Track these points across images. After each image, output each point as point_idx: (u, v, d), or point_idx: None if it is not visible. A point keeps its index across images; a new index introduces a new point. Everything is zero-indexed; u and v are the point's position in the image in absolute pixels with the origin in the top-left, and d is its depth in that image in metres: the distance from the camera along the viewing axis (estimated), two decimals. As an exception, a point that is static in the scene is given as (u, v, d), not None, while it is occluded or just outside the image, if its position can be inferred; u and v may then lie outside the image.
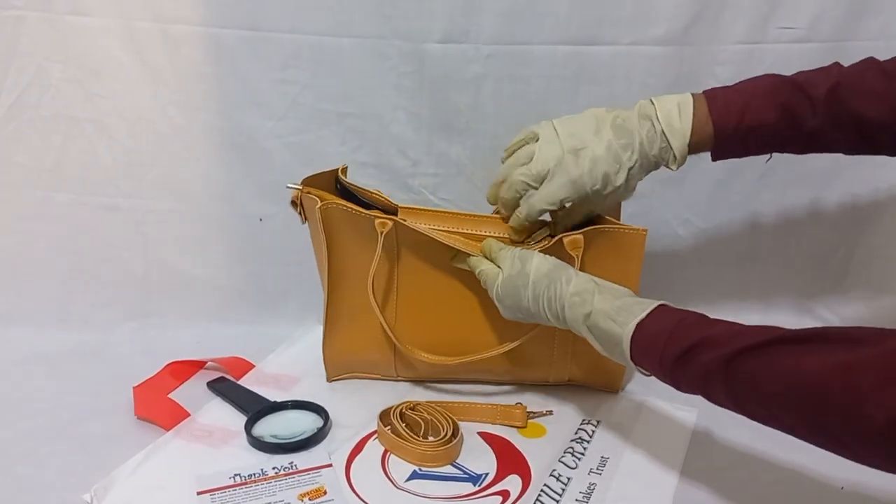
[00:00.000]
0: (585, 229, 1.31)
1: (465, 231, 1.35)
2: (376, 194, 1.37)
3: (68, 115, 1.59)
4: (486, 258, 1.31)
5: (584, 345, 1.21)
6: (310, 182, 1.38)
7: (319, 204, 1.33)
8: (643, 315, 1.09)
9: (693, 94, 1.25)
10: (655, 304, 1.11)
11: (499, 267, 1.28)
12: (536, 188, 1.27)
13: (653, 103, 1.26)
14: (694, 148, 1.25)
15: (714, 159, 1.29)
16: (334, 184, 1.41)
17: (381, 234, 1.32)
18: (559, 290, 1.19)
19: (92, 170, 1.62)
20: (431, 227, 1.35)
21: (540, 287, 1.21)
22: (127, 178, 1.63)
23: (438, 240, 1.32)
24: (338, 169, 1.41)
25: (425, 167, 1.68)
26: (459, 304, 1.41)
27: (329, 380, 1.49)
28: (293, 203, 1.39)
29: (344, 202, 1.35)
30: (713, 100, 1.24)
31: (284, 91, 1.60)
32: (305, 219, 1.40)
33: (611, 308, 1.13)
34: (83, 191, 1.63)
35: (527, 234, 1.34)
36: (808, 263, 1.77)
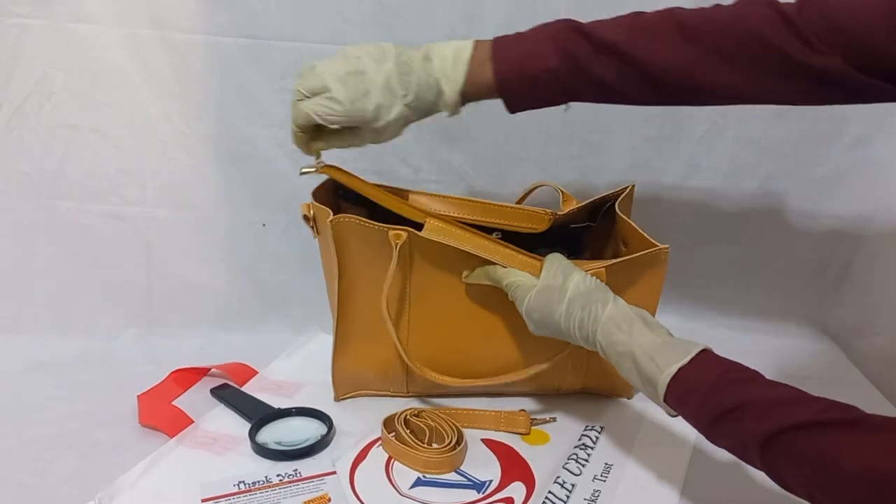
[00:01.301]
0: (610, 263, 1.31)
1: (481, 220, 1.35)
2: (379, 190, 1.35)
3: (71, 124, 1.59)
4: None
5: (598, 357, 1.20)
6: (318, 193, 1.37)
7: (331, 217, 1.29)
8: (685, 361, 1.06)
9: (477, 41, 1.18)
10: (698, 348, 1.08)
11: (535, 277, 1.25)
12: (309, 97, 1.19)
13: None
14: (474, 95, 1.19)
15: (509, 110, 1.22)
16: (335, 190, 1.41)
17: (396, 246, 1.28)
18: (595, 312, 1.16)
19: (94, 178, 1.62)
20: (450, 217, 1.33)
21: (575, 305, 1.18)
22: (129, 186, 1.64)
23: (465, 250, 1.29)
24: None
25: (427, 174, 1.69)
26: (477, 320, 1.39)
27: (337, 399, 1.47)
28: (305, 217, 1.36)
29: (357, 218, 1.30)
30: (497, 46, 1.17)
31: (286, 99, 1.58)
32: (318, 233, 1.37)
33: (650, 345, 1.10)
34: (86, 199, 1.63)
35: (306, 148, 1.27)
36: (806, 270, 1.78)
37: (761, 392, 0.99)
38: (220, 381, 1.51)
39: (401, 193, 1.39)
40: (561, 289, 1.21)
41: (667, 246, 1.32)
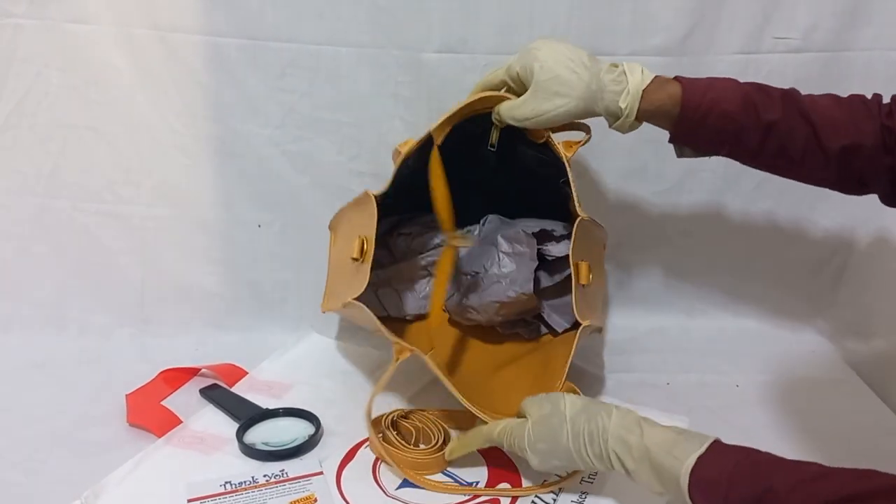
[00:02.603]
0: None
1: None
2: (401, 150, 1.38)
3: (66, 123, 1.59)
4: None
5: None
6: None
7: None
8: (702, 450, 1.05)
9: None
10: (710, 439, 1.07)
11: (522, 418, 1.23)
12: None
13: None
14: (650, 114, 1.25)
15: (672, 137, 1.28)
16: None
17: (393, 364, 1.28)
18: (601, 424, 1.14)
19: (90, 177, 1.62)
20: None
21: (579, 423, 1.16)
22: (125, 184, 1.64)
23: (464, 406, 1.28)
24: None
25: (423, 175, 1.68)
26: None
27: (324, 310, 1.50)
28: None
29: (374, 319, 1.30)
30: (683, 78, 1.25)
31: (282, 99, 1.61)
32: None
33: (665, 441, 1.09)
34: (81, 198, 1.63)
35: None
36: (802, 272, 1.77)
37: (784, 476, 0.98)
38: (209, 382, 1.51)
39: None
40: (557, 413, 1.18)
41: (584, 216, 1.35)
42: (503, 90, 1.33)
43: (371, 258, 1.30)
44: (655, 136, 1.48)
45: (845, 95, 1.22)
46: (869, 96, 1.21)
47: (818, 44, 1.58)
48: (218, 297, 1.72)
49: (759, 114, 1.20)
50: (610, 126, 1.28)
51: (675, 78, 1.24)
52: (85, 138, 1.60)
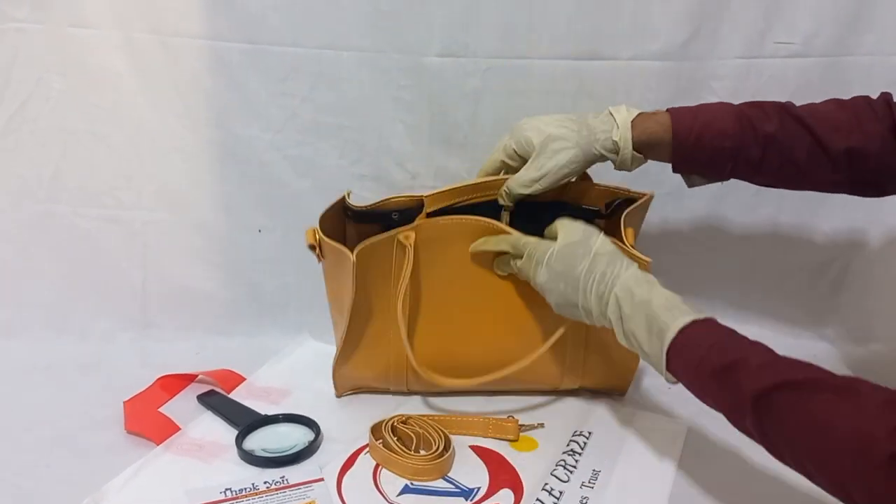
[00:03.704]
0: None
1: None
2: (392, 199, 1.38)
3: (68, 127, 1.59)
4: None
5: (595, 348, 1.33)
6: (325, 219, 1.37)
7: (353, 255, 1.32)
8: (699, 317, 1.10)
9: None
10: (707, 315, 1.12)
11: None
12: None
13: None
14: (646, 144, 1.30)
15: (674, 165, 1.34)
16: (343, 213, 1.40)
17: (409, 247, 1.33)
18: (617, 270, 1.20)
19: (91, 181, 1.63)
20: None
21: (599, 262, 1.21)
22: (126, 189, 1.64)
23: (469, 220, 1.36)
24: (343, 196, 1.39)
25: (424, 180, 1.68)
26: (478, 311, 1.43)
27: (338, 395, 1.49)
28: (311, 246, 1.37)
29: (374, 238, 1.35)
30: (673, 108, 1.31)
31: (283, 104, 1.61)
32: (323, 258, 1.39)
33: (669, 300, 1.14)
34: (82, 202, 1.64)
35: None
36: (804, 276, 1.77)
37: (761, 353, 1.02)
38: (207, 388, 1.51)
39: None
40: (584, 245, 1.24)
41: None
42: (502, 173, 1.40)
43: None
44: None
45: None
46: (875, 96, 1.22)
47: (819, 49, 1.58)
48: (219, 301, 1.72)
49: (755, 127, 1.24)
50: (615, 167, 1.33)
51: (668, 109, 1.31)
52: (86, 143, 1.61)
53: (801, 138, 1.24)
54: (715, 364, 1.03)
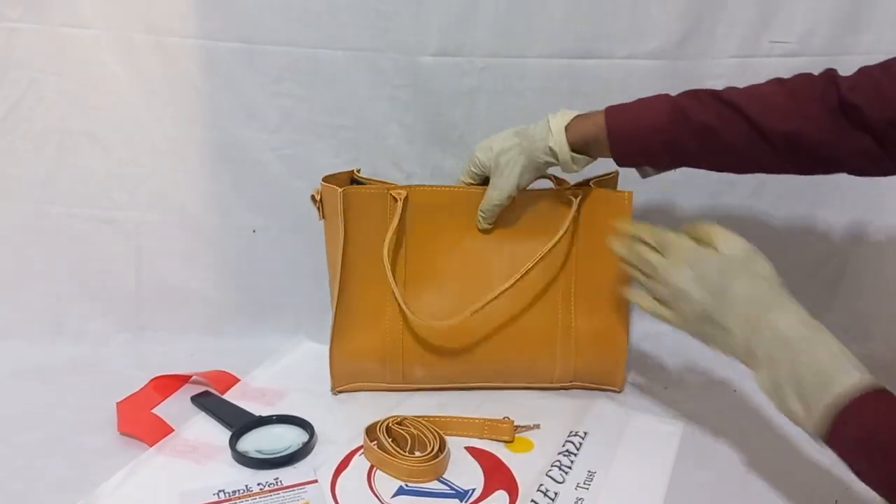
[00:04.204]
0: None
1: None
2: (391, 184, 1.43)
3: (62, 127, 1.59)
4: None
5: (585, 339, 1.38)
6: (330, 178, 1.42)
7: (340, 190, 1.37)
8: (874, 382, 1.00)
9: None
10: (880, 386, 1.00)
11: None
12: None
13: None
14: (584, 145, 1.35)
15: (618, 161, 1.36)
16: (349, 182, 1.44)
17: (399, 201, 1.40)
18: (777, 299, 1.14)
19: (85, 182, 1.62)
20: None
21: (760, 286, 1.15)
22: (120, 190, 1.64)
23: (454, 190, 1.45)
24: (352, 170, 1.46)
25: (419, 179, 1.68)
26: (471, 279, 1.45)
27: (334, 390, 1.49)
28: (312, 197, 1.42)
29: (364, 187, 1.43)
30: (610, 106, 1.34)
31: (279, 103, 1.61)
32: (323, 216, 1.43)
33: (838, 351, 1.05)
34: (76, 203, 1.63)
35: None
36: (800, 276, 1.76)
37: None
38: (201, 389, 1.50)
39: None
40: (746, 262, 1.19)
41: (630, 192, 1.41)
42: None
43: None
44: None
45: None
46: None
47: (815, 48, 1.59)
48: (214, 303, 1.72)
49: (689, 118, 1.25)
50: (562, 170, 1.38)
51: (606, 107, 1.34)
52: (80, 143, 1.60)
53: (738, 125, 1.24)
54: (889, 438, 0.95)
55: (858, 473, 0.98)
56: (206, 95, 1.60)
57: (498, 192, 1.40)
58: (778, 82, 1.26)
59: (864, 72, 1.20)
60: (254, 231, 1.69)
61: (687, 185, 1.69)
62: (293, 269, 1.69)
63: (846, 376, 1.00)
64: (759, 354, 1.09)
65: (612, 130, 1.31)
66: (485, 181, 1.43)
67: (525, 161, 1.37)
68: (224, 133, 1.63)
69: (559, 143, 1.34)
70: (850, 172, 1.27)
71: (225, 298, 1.72)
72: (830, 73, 1.23)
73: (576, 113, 1.35)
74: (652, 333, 1.72)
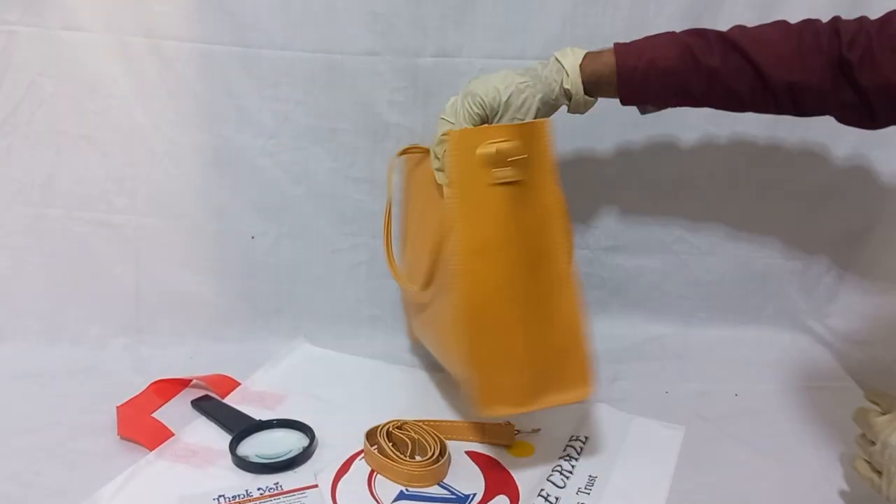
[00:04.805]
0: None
1: None
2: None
3: (60, 131, 1.58)
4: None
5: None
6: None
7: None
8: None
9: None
10: None
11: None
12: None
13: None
14: (595, 85, 1.31)
15: (623, 100, 1.33)
16: None
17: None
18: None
19: (84, 185, 1.62)
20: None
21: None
22: (119, 194, 1.63)
23: None
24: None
25: (419, 181, 1.67)
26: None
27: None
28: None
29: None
30: (618, 43, 1.31)
31: (276, 108, 1.60)
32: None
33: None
34: (75, 206, 1.62)
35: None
36: (800, 279, 1.77)
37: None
38: (201, 393, 1.49)
39: None
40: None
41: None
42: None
43: None
44: (652, 140, 1.48)
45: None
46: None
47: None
48: (212, 307, 1.71)
49: (698, 61, 1.25)
50: (569, 110, 1.33)
51: (614, 45, 1.31)
52: (79, 147, 1.60)
53: (744, 72, 1.24)
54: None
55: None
56: (203, 99, 1.59)
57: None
58: (785, 28, 1.26)
59: (863, 26, 1.19)
60: (252, 237, 1.68)
61: (688, 187, 1.69)
62: (292, 274, 1.69)
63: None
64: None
65: (621, 72, 1.29)
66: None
67: (540, 102, 1.31)
68: (221, 137, 1.62)
69: (575, 83, 1.29)
70: (839, 121, 1.29)
71: (223, 302, 1.71)
72: (835, 23, 1.22)
73: (585, 51, 1.31)
74: (654, 337, 1.72)
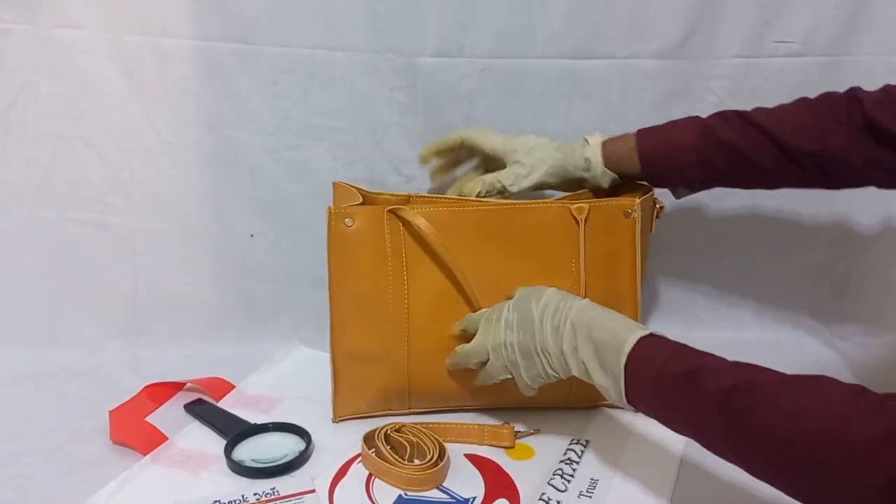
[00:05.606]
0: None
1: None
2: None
3: (56, 131, 1.57)
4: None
5: None
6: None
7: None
8: (644, 333, 1.09)
9: None
10: (650, 330, 1.10)
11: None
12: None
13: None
14: (616, 163, 1.39)
15: (649, 178, 1.41)
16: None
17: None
18: (571, 301, 1.19)
19: (80, 186, 1.61)
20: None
21: (553, 298, 1.20)
22: (116, 194, 1.62)
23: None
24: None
25: (419, 183, 1.66)
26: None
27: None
28: None
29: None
30: (640, 129, 1.40)
31: (276, 106, 1.59)
32: None
33: (623, 321, 1.13)
34: (71, 207, 1.61)
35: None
36: (806, 280, 1.76)
37: (719, 359, 1.02)
38: (195, 396, 1.48)
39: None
40: (537, 291, 1.24)
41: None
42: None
43: None
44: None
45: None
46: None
47: (818, 48, 1.58)
48: (210, 308, 1.70)
49: (717, 137, 1.30)
50: (587, 184, 1.43)
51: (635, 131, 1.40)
52: (75, 147, 1.59)
53: (764, 145, 1.28)
54: (676, 371, 1.02)
55: (661, 413, 1.07)
56: (201, 98, 1.58)
57: (526, 171, 1.43)
58: (804, 103, 1.29)
59: (888, 90, 1.22)
60: (251, 236, 1.67)
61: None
62: (291, 275, 1.69)
63: (633, 335, 1.09)
64: (567, 351, 1.16)
65: (642, 148, 1.36)
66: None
67: (556, 163, 1.42)
68: (220, 136, 1.61)
69: (594, 154, 1.39)
70: (878, 186, 1.30)
71: (221, 304, 1.70)
72: (854, 92, 1.24)
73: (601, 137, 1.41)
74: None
